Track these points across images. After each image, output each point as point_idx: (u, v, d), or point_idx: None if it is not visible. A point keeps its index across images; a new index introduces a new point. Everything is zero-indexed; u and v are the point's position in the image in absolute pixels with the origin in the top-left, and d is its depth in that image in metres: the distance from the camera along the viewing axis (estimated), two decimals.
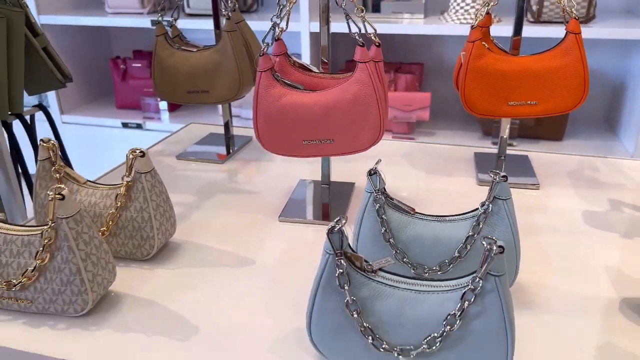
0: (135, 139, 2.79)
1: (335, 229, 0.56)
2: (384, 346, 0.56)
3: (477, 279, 0.53)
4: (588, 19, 1.94)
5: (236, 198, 1.03)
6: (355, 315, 0.57)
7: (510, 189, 0.68)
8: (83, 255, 0.66)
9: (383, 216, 0.70)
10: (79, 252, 0.66)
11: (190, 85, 1.13)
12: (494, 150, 1.19)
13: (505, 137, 1.13)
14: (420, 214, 0.71)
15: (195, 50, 1.13)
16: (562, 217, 0.93)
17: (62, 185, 0.65)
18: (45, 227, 0.66)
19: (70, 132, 2.71)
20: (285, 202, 1.00)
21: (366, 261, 0.58)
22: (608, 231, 0.88)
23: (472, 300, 0.54)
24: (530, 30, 1.78)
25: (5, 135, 1.16)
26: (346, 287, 0.57)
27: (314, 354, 0.63)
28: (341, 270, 0.56)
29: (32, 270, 0.66)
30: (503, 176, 0.66)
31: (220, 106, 2.68)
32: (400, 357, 0.56)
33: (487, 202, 0.68)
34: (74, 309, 0.68)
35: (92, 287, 0.68)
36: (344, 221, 0.56)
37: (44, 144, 0.80)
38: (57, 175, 0.80)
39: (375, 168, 0.70)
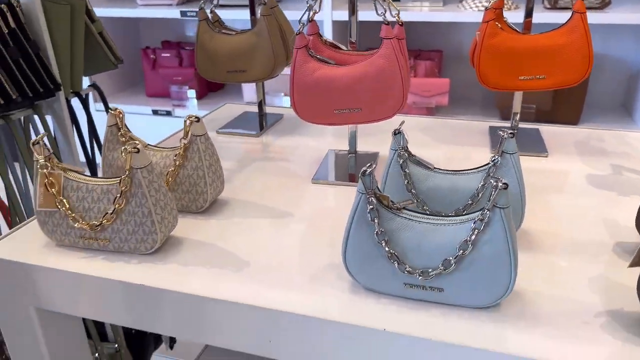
0: (165, 126, 2.93)
1: (367, 172, 0.68)
2: (407, 269, 0.68)
3: (485, 211, 0.64)
4: (604, 4, 2.02)
5: (272, 165, 1.15)
6: (383, 244, 0.68)
7: (520, 156, 0.79)
8: (153, 200, 0.79)
9: (406, 169, 0.81)
10: (150, 197, 0.78)
11: (229, 66, 1.25)
12: (508, 124, 1.29)
13: (517, 111, 1.23)
14: (438, 168, 0.82)
15: (234, 33, 1.25)
16: (566, 178, 1.04)
17: (137, 141, 0.77)
18: (122, 176, 0.78)
19: (104, 120, 2.86)
20: (316, 169, 1.12)
21: (392, 201, 0.69)
22: (608, 190, 0.99)
23: (482, 228, 0.65)
24: (546, 17, 1.87)
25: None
26: (376, 220, 0.68)
27: (348, 280, 0.75)
28: (372, 207, 0.68)
29: (111, 213, 0.79)
30: (510, 133, 0.77)
31: (245, 94, 2.82)
32: (420, 277, 0.67)
33: (496, 156, 0.78)
34: (144, 247, 0.81)
35: (160, 228, 0.80)
36: (374, 165, 0.68)
37: (112, 112, 0.93)
38: (123, 139, 0.93)
39: (400, 128, 0.81)
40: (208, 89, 3.10)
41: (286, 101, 2.73)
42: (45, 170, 0.80)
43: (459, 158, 1.15)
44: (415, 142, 1.24)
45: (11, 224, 1.44)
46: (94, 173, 1.53)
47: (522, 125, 1.29)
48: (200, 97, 3.00)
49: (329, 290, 0.74)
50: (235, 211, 0.96)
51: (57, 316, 0.90)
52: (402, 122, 0.83)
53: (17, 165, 1.39)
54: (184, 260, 0.82)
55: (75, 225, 0.81)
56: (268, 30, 1.21)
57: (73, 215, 0.81)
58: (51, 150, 0.81)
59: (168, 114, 2.94)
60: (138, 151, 0.76)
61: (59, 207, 0.81)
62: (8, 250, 0.85)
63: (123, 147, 0.77)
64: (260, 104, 1.41)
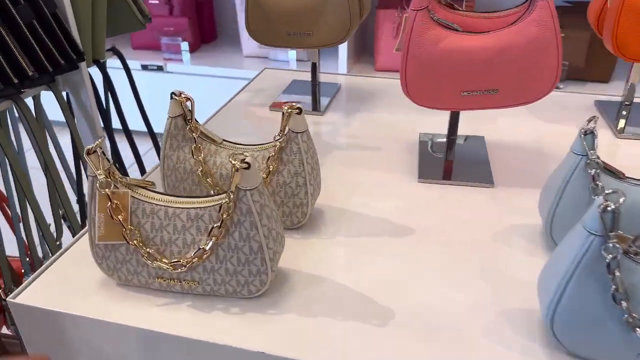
0: (157, 83, 2.63)
1: (608, 208, 0.47)
2: None
3: None
4: None
5: (357, 155, 0.92)
6: (624, 305, 0.48)
7: None
8: (266, 231, 0.57)
9: (598, 182, 0.60)
10: (261, 228, 0.56)
11: (291, 27, 1.00)
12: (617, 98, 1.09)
13: (634, 83, 1.03)
14: (631, 178, 0.62)
15: None
16: None
17: (245, 153, 0.55)
18: (224, 200, 0.55)
19: (123, 91, 2.56)
20: (411, 159, 0.90)
21: (634, 241, 0.49)
22: None
23: None
24: None
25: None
26: (616, 274, 0.48)
27: (543, 342, 0.56)
28: (612, 255, 0.48)
29: (206, 249, 0.57)
30: None
31: (243, 46, 2.52)
32: None
33: None
34: (247, 291, 0.59)
35: (272, 267, 0.59)
36: (622, 199, 0.47)
37: (177, 98, 0.68)
38: (193, 134, 0.69)
39: (593, 127, 0.60)
40: (201, 40, 2.78)
41: (292, 55, 2.45)
42: (107, 191, 0.56)
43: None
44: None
45: (11, 220, 1.19)
46: (122, 169, 1.27)
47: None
48: (193, 49, 2.69)
49: (521, 356, 0.54)
50: (336, 225, 0.74)
51: None
52: (594, 119, 0.61)
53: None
54: (300, 304, 0.60)
55: (152, 264, 0.58)
56: None
57: (148, 250, 0.58)
58: (111, 161, 0.57)
59: (159, 69, 2.63)
60: (249, 166, 0.54)
61: (129, 240, 0.58)
62: (45, 294, 0.62)
63: (230, 158, 0.54)
64: (314, 71, 1.17)
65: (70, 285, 0.64)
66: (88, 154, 0.55)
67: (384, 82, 1.23)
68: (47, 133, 1.11)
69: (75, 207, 1.22)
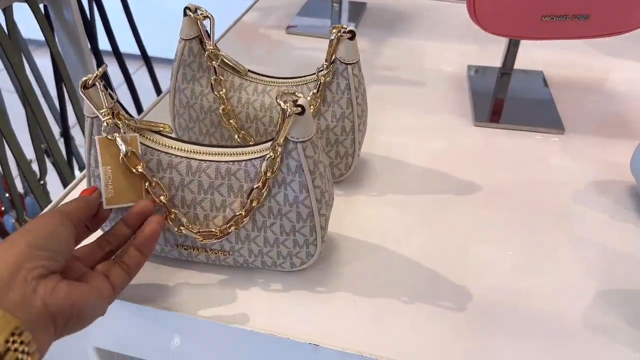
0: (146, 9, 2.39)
1: None
2: None
3: None
4: None
5: (397, 91, 0.78)
6: None
7: None
8: (318, 194, 0.44)
9: None
10: (314, 190, 0.43)
11: None
12: None
13: None
14: None
15: None
16: None
17: (299, 94, 0.41)
18: (268, 152, 0.42)
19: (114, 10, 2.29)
20: (462, 97, 0.76)
21: None
22: None
23: None
24: None
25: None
26: None
27: None
28: None
29: (245, 216, 0.44)
30: None
31: None
32: None
33: None
34: (290, 264, 0.47)
35: (323, 236, 0.46)
36: None
37: (192, 15, 0.53)
38: (212, 63, 0.55)
39: None
40: None
41: None
42: (116, 136, 0.42)
43: None
44: None
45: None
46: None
47: None
48: None
49: None
50: (385, 178, 0.61)
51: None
52: None
53: None
54: (354, 280, 0.49)
55: (174, 230, 0.46)
56: None
57: (174, 212, 0.45)
58: (115, 97, 0.43)
59: None
60: (303, 111, 0.40)
61: (156, 198, 0.45)
62: None
63: (278, 99, 0.40)
64: None
65: None
66: (85, 87, 0.41)
67: (420, 2, 1.07)
68: (22, 54, 0.95)
69: (60, 141, 1.07)
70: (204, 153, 0.44)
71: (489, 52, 0.86)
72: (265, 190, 0.43)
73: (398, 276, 0.49)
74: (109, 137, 0.42)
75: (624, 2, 0.59)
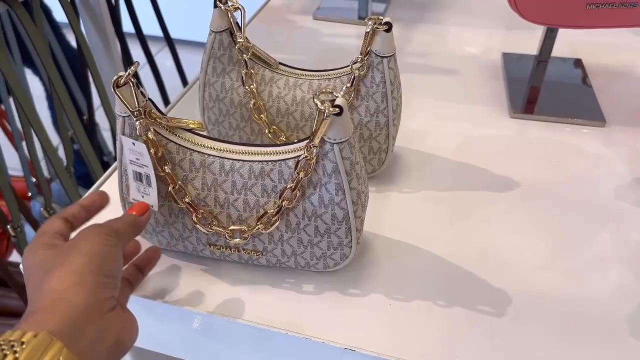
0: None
1: None
2: None
3: None
4: None
5: (430, 80, 0.76)
6: None
7: None
8: (354, 196, 0.42)
9: None
10: (350, 192, 0.42)
11: None
12: None
13: None
14: None
15: None
16: None
17: (336, 93, 0.39)
18: (302, 153, 0.41)
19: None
20: (497, 86, 0.74)
21: None
22: None
23: None
24: None
25: None
26: None
27: None
28: None
29: (275, 214, 0.43)
30: None
31: None
32: None
33: None
34: (324, 265, 0.46)
35: (358, 237, 0.45)
36: None
37: (222, 7, 0.51)
38: (243, 56, 0.53)
39: None
40: None
41: None
42: (149, 135, 0.41)
43: None
44: None
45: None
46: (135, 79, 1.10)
47: None
48: None
49: None
50: (419, 174, 0.60)
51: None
52: None
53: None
54: (390, 281, 0.47)
55: (204, 229, 0.45)
56: None
57: (202, 212, 0.44)
58: (147, 95, 0.42)
59: None
60: (341, 112, 0.38)
61: (178, 200, 0.44)
62: None
63: (315, 99, 0.39)
64: None
65: None
66: (117, 86, 0.40)
67: None
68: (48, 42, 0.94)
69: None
70: (237, 152, 0.43)
71: (525, 38, 0.83)
72: (299, 190, 0.42)
73: (432, 277, 0.48)
74: (142, 136, 0.41)
75: None
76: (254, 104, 0.54)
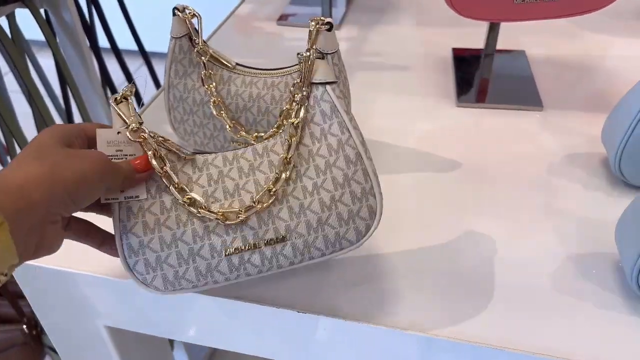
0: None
1: None
2: None
3: None
4: None
5: (385, 76, 0.82)
6: None
7: None
8: (359, 135, 0.44)
9: None
10: (354, 130, 0.44)
11: None
12: None
13: None
14: None
15: None
16: None
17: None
18: (294, 109, 0.44)
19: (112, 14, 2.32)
20: (446, 79, 0.80)
21: None
22: None
23: None
24: None
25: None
26: None
27: (622, 291, 0.49)
28: None
29: (272, 192, 0.43)
30: None
31: None
32: None
33: None
34: (355, 230, 0.44)
35: (379, 185, 0.44)
36: None
37: (180, 14, 0.57)
38: (202, 58, 0.58)
39: None
40: None
41: None
42: (145, 136, 0.42)
43: None
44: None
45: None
46: (113, 90, 1.15)
47: None
48: None
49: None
50: (375, 159, 0.65)
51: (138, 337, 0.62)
52: None
53: None
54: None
55: (211, 224, 0.43)
56: None
57: (202, 210, 0.43)
58: (138, 115, 0.44)
59: None
60: (331, 27, 0.43)
61: (183, 200, 0.43)
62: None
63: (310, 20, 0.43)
64: None
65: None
66: (117, 102, 0.42)
67: None
68: (26, 56, 0.99)
69: None
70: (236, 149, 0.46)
71: (474, 35, 0.89)
72: (305, 147, 0.43)
73: (396, 255, 0.53)
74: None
75: None
76: (214, 102, 0.59)
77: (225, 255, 0.42)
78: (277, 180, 0.43)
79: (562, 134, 0.68)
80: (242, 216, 0.42)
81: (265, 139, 0.52)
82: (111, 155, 0.42)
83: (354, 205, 0.43)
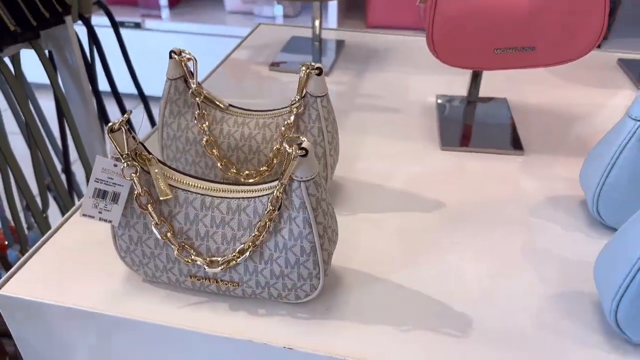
0: (135, 42, 2.49)
1: None
2: None
3: None
4: None
5: (372, 119, 0.85)
6: None
7: None
8: (321, 230, 0.48)
9: None
10: (317, 226, 0.48)
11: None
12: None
13: None
14: None
15: None
16: None
17: (302, 137, 0.46)
18: (274, 191, 0.47)
19: (112, 51, 2.40)
20: (431, 124, 0.83)
21: None
22: None
23: None
24: None
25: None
26: None
27: (601, 329, 0.50)
28: None
29: (250, 247, 0.49)
30: None
31: (226, 4, 2.39)
32: None
33: None
34: (295, 296, 0.51)
35: (326, 270, 0.50)
36: None
37: (177, 57, 0.60)
38: (196, 99, 0.61)
39: None
40: None
41: (278, 11, 2.32)
42: (133, 176, 0.47)
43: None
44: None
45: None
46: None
47: None
48: (172, 4, 2.52)
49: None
50: (358, 200, 0.67)
51: None
52: None
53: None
54: (350, 308, 0.54)
55: (185, 259, 0.50)
56: None
57: (184, 245, 0.50)
58: (138, 140, 0.48)
59: (137, 26, 2.46)
60: (306, 153, 0.45)
61: (162, 235, 0.49)
62: (34, 283, 0.55)
63: (285, 143, 0.45)
64: (317, 28, 1.07)
65: (64, 271, 0.57)
66: (112, 130, 0.46)
67: (392, 39, 1.15)
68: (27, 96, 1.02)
69: (62, 176, 1.13)
70: (217, 190, 0.49)
71: (458, 82, 0.93)
72: (272, 223, 0.48)
73: (383, 298, 0.54)
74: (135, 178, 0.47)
75: (565, 34, 0.66)
76: (206, 140, 0.61)
77: (189, 278, 0.52)
78: (241, 246, 0.49)
79: (543, 177, 0.71)
80: (208, 264, 0.50)
81: (255, 177, 0.59)
82: (102, 181, 0.48)
83: (299, 281, 0.50)
